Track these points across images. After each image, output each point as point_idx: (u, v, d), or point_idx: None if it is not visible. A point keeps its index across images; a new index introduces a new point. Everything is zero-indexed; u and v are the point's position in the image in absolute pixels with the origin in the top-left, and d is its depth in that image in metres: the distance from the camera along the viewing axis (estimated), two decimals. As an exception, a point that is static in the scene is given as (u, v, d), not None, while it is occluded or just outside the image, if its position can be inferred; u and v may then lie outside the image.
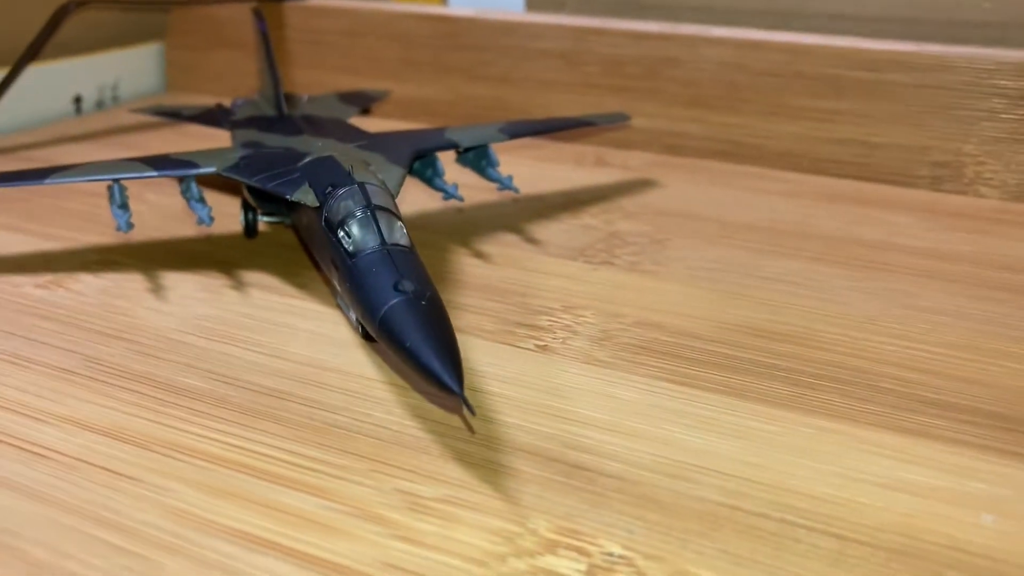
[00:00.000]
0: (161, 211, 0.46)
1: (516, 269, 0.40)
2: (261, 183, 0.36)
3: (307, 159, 0.36)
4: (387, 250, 0.30)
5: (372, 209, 0.31)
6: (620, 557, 0.23)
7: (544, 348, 0.33)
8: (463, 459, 0.27)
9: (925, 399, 0.30)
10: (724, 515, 0.25)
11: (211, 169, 0.38)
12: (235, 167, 0.37)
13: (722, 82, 0.54)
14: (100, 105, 0.66)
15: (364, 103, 0.52)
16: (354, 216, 0.31)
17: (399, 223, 0.32)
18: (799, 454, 0.27)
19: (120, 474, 0.26)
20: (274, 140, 0.41)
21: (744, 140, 0.54)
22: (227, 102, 0.52)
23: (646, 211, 0.47)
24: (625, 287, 0.38)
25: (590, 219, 0.46)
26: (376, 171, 0.36)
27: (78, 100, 0.65)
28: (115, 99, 0.67)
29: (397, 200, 0.34)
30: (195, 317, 0.35)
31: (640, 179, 0.52)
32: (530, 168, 0.53)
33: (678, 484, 0.26)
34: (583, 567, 0.23)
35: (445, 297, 0.36)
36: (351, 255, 0.30)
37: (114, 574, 0.23)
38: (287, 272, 0.39)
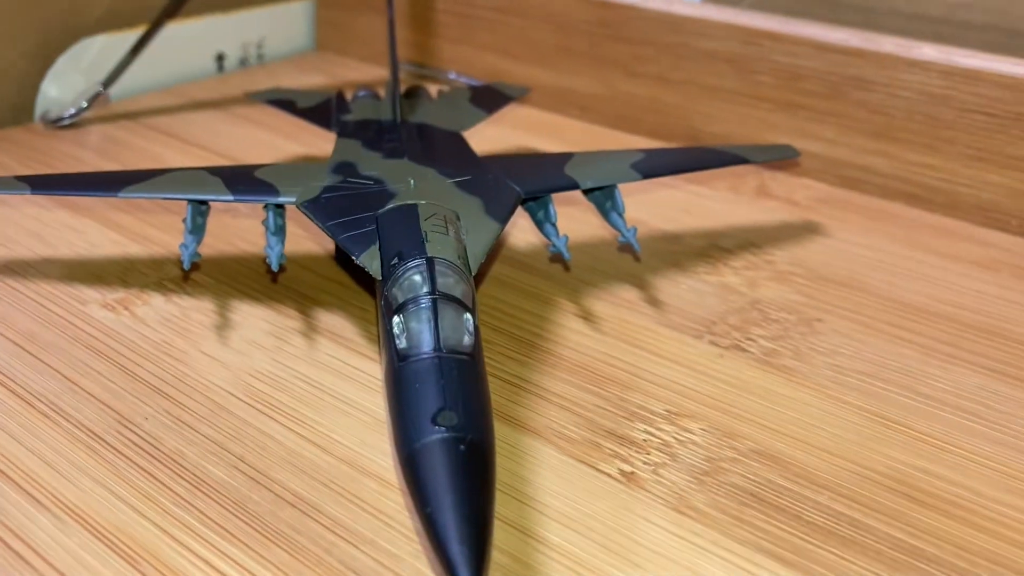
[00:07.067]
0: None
1: (625, 344, 0.34)
2: (333, 232, 0.31)
3: (389, 206, 0.32)
4: (439, 359, 0.25)
5: (435, 299, 0.26)
6: None
7: (630, 477, 0.28)
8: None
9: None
10: None
11: (291, 200, 0.34)
12: (314, 201, 0.33)
13: (921, 115, 0.45)
14: (244, 63, 0.64)
15: (498, 105, 0.46)
16: (415, 303, 0.26)
17: (466, 315, 0.27)
18: None
19: None
20: (371, 163, 0.36)
21: (939, 186, 0.45)
22: (377, 75, 0.47)
23: (801, 271, 0.39)
24: (752, 390, 0.32)
25: (731, 275, 0.39)
26: (465, 227, 0.31)
27: (221, 58, 0.62)
28: (260, 57, 0.65)
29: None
30: (250, 372, 0.32)
31: (804, 222, 0.44)
32: (674, 193, 0.46)
33: None
34: None
35: (534, 376, 0.31)
36: (400, 357, 0.25)
37: None
38: (368, 317, 0.35)
